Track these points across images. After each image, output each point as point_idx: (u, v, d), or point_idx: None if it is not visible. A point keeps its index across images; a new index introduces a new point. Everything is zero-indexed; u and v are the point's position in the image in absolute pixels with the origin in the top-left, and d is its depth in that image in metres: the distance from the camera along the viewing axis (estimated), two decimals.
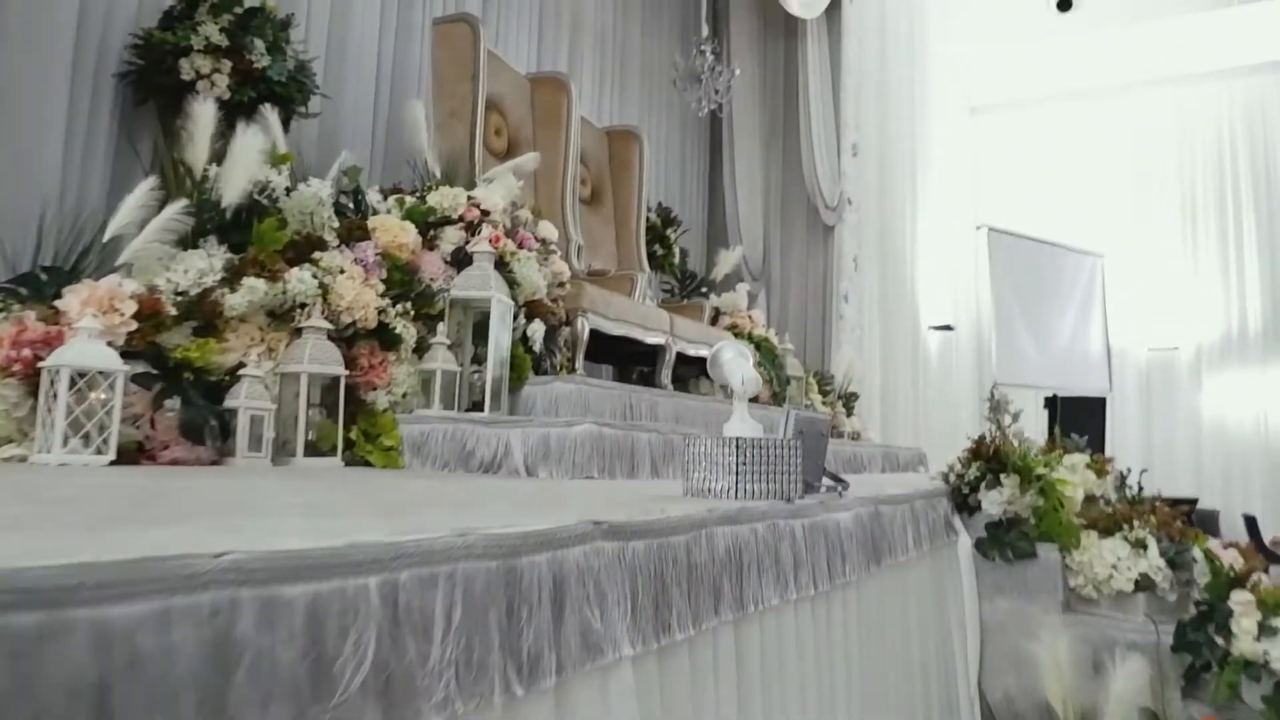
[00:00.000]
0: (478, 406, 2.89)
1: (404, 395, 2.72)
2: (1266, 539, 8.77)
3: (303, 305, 2.45)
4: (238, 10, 3.20)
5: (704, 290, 5.40)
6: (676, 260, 5.61)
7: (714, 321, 5.01)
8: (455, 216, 3.08)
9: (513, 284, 3.08)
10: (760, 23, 6.66)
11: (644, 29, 6.12)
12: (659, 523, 1.16)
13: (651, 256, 5.40)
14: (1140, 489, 4.27)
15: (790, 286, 6.80)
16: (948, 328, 8.84)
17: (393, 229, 2.78)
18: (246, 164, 2.41)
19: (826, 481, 1.87)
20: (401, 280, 2.76)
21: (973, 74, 9.58)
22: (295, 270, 2.42)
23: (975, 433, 2.69)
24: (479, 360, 2.98)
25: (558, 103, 4.34)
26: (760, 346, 5.10)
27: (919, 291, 8.36)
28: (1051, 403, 8.24)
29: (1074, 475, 2.76)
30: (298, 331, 2.45)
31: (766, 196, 6.73)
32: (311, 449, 2.47)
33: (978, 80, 9.70)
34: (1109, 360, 9.21)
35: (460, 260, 3.02)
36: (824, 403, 6.01)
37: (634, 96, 6.02)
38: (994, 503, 2.58)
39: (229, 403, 2.24)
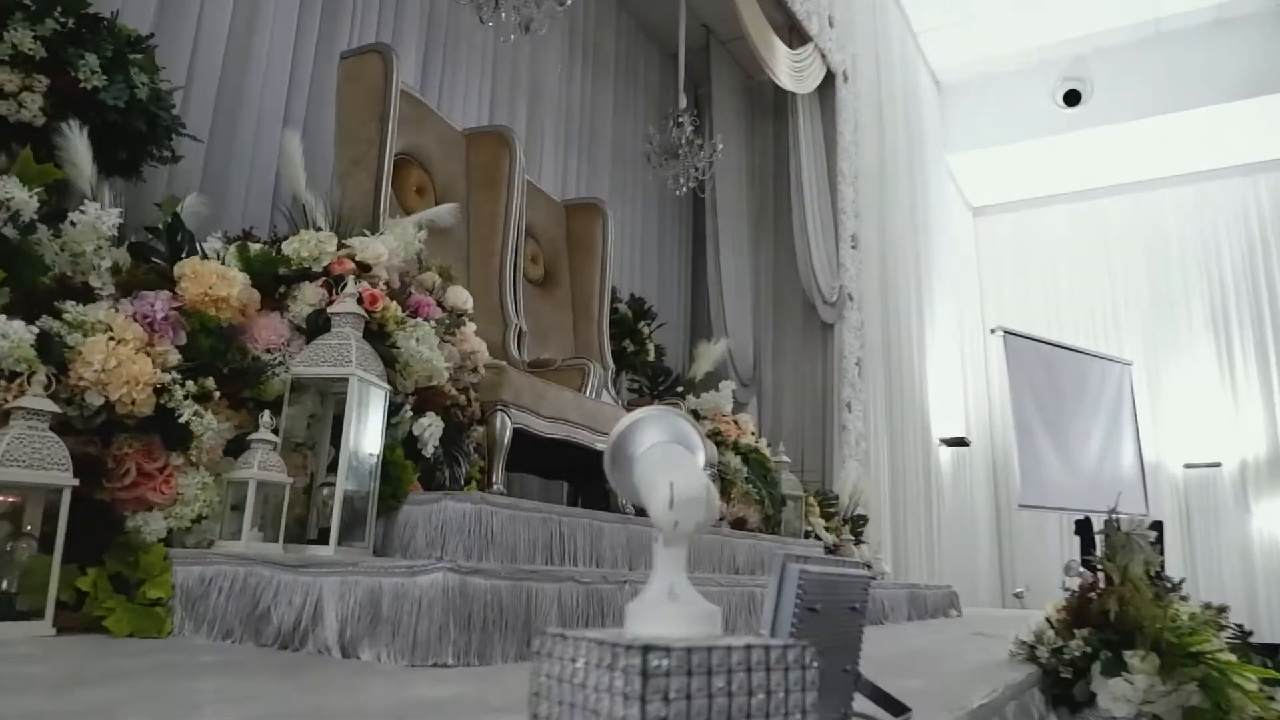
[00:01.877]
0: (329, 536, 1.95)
1: (198, 519, 1.79)
2: None
3: (14, 376, 1.55)
4: (68, 21, 2.45)
5: (680, 390, 4.51)
6: (651, 357, 4.75)
7: None
8: (318, 270, 2.23)
9: (394, 363, 2.20)
10: (745, 98, 6.04)
11: (615, 102, 5.47)
12: None
13: (621, 354, 4.54)
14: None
15: (784, 391, 5.90)
16: (963, 441, 7.91)
17: (206, 278, 1.92)
18: None
19: (861, 709, 0.91)
20: (213, 348, 1.88)
21: (974, 174, 9.04)
22: (1, 320, 1.54)
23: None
24: None
25: (497, 160, 3.58)
26: (749, 459, 4.17)
27: (930, 400, 7.48)
28: (1084, 527, 7.16)
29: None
30: (4, 417, 1.55)
31: (756, 290, 5.93)
32: (7, 608, 1.52)
33: (980, 180, 9.16)
34: (1144, 478, 8.24)
35: (320, 327, 2.15)
36: (827, 527, 5.02)
37: (604, 175, 5.31)
38: (1119, 698, 1.60)
39: None
